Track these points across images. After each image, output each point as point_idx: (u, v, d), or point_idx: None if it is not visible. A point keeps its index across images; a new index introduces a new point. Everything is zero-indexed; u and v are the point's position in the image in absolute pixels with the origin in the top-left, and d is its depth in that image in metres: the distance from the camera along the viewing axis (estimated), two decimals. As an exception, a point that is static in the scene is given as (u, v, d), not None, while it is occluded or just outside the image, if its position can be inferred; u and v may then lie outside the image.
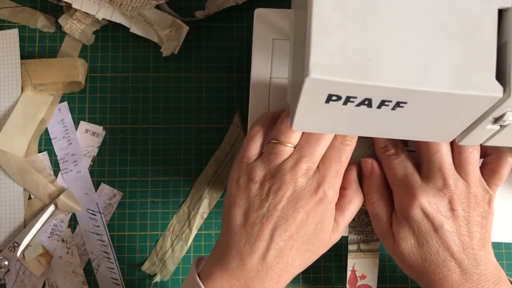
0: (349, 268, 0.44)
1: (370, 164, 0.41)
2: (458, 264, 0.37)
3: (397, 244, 0.38)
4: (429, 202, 0.37)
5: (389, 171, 0.39)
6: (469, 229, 0.37)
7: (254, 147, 0.39)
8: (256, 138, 0.39)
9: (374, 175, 0.40)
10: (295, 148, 0.38)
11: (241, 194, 0.37)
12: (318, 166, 0.38)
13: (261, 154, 0.39)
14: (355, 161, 0.41)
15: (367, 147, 0.42)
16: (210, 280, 0.36)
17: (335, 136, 0.38)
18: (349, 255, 0.43)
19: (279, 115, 0.39)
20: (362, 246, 0.43)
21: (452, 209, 0.37)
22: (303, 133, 0.38)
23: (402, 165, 0.38)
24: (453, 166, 0.38)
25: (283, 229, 0.36)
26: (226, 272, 0.36)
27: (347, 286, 0.44)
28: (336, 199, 0.38)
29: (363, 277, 0.44)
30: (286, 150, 0.37)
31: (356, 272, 0.44)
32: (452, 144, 0.38)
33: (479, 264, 0.37)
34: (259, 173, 0.37)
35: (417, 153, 0.40)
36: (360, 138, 0.40)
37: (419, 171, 0.38)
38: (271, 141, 0.38)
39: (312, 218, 0.37)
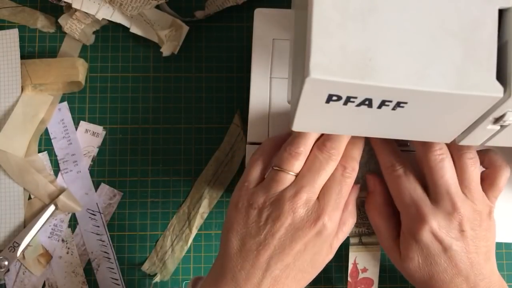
0: (351, 261, 0.44)
1: (372, 181, 0.41)
2: (465, 280, 0.37)
3: (404, 261, 0.39)
4: (439, 226, 0.37)
5: (397, 192, 0.39)
6: (476, 245, 0.38)
7: (256, 172, 0.39)
8: (258, 163, 0.39)
9: (375, 193, 0.41)
10: (296, 176, 0.37)
11: (240, 219, 0.37)
12: (318, 197, 0.37)
13: (262, 179, 0.39)
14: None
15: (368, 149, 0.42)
16: None
17: (336, 168, 0.38)
18: (351, 248, 0.43)
19: (283, 141, 0.39)
20: (364, 239, 0.43)
21: (461, 230, 0.37)
22: (305, 161, 0.38)
23: (412, 187, 0.38)
24: (459, 188, 0.38)
25: (279, 258, 0.36)
26: None
27: (349, 279, 0.44)
28: (335, 232, 0.38)
29: (364, 270, 0.44)
30: (288, 178, 0.37)
31: (357, 265, 0.44)
32: (454, 162, 0.38)
33: (485, 278, 0.38)
34: (259, 199, 0.37)
35: (420, 168, 0.39)
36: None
37: (425, 190, 0.38)
38: (273, 168, 0.38)
39: (310, 250, 0.37)
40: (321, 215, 0.36)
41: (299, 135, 0.38)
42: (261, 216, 0.37)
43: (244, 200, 0.38)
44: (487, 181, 0.39)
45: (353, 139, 0.39)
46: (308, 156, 0.38)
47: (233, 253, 0.37)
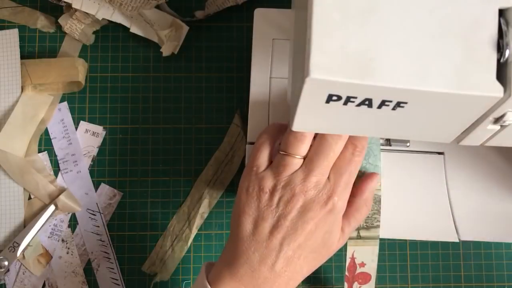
0: (349, 256, 0.44)
1: None
2: None
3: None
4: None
5: None
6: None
7: (263, 156, 0.39)
8: (264, 147, 0.39)
9: None
10: (304, 159, 0.38)
11: (251, 203, 0.38)
12: (328, 177, 0.38)
13: (270, 163, 0.39)
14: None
15: None
16: (219, 286, 0.37)
17: (346, 146, 0.38)
18: (349, 242, 0.43)
19: (287, 126, 0.39)
20: (362, 233, 0.43)
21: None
22: (313, 142, 0.38)
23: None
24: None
25: (292, 239, 0.37)
26: (235, 279, 0.37)
27: (346, 273, 0.44)
28: (344, 210, 0.39)
29: (362, 265, 0.44)
30: (295, 161, 0.38)
31: (355, 260, 0.44)
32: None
33: None
34: (269, 183, 0.38)
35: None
36: None
37: None
38: (280, 152, 0.38)
39: (321, 229, 0.38)
40: (332, 196, 0.37)
41: None
42: (273, 200, 0.37)
43: (254, 184, 0.38)
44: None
45: None
46: (315, 137, 0.38)
47: (246, 236, 0.37)
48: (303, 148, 0.38)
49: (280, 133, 0.40)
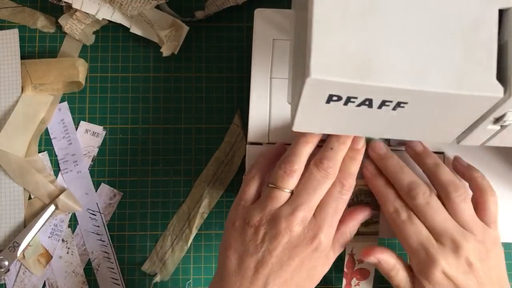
0: (347, 252, 0.44)
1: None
2: None
3: None
4: (448, 264, 0.37)
5: (404, 237, 0.39)
6: (488, 275, 0.38)
7: (251, 190, 0.39)
8: (253, 181, 0.39)
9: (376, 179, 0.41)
10: (292, 193, 0.38)
11: (237, 237, 0.38)
12: (314, 214, 0.38)
13: (258, 197, 0.39)
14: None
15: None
16: None
17: (334, 184, 0.38)
18: None
19: (276, 155, 0.40)
20: (361, 229, 0.43)
21: (469, 264, 0.38)
22: (301, 178, 0.38)
23: (418, 231, 0.38)
24: (457, 224, 0.38)
25: (277, 275, 0.37)
26: None
27: (345, 270, 0.44)
28: (330, 246, 0.39)
29: (361, 261, 0.44)
30: (283, 195, 0.38)
31: (354, 256, 0.44)
32: (445, 204, 0.39)
33: None
34: (255, 217, 0.37)
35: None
36: None
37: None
38: (269, 185, 0.38)
39: (307, 265, 0.37)
40: (318, 233, 0.37)
41: (293, 152, 0.38)
42: (258, 235, 0.37)
43: (240, 218, 0.38)
44: (478, 208, 0.40)
45: (352, 154, 0.39)
46: (304, 171, 0.38)
47: (232, 271, 0.37)
48: (291, 182, 0.38)
49: (270, 164, 0.40)
